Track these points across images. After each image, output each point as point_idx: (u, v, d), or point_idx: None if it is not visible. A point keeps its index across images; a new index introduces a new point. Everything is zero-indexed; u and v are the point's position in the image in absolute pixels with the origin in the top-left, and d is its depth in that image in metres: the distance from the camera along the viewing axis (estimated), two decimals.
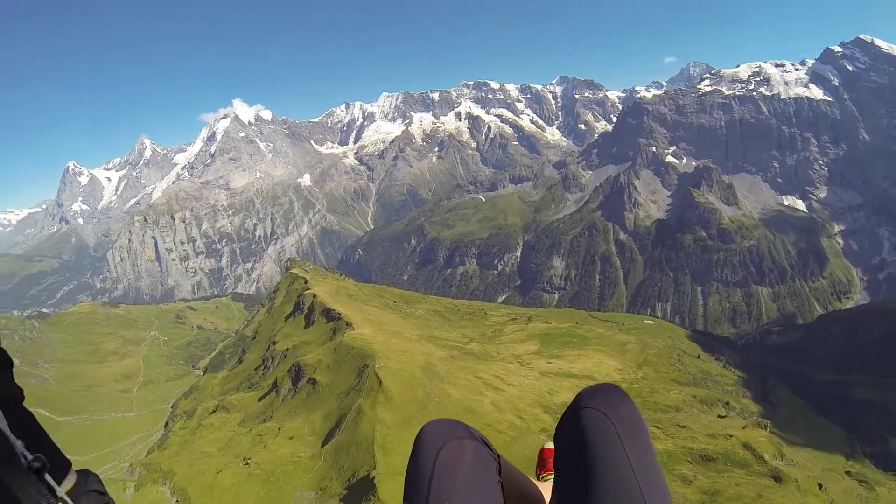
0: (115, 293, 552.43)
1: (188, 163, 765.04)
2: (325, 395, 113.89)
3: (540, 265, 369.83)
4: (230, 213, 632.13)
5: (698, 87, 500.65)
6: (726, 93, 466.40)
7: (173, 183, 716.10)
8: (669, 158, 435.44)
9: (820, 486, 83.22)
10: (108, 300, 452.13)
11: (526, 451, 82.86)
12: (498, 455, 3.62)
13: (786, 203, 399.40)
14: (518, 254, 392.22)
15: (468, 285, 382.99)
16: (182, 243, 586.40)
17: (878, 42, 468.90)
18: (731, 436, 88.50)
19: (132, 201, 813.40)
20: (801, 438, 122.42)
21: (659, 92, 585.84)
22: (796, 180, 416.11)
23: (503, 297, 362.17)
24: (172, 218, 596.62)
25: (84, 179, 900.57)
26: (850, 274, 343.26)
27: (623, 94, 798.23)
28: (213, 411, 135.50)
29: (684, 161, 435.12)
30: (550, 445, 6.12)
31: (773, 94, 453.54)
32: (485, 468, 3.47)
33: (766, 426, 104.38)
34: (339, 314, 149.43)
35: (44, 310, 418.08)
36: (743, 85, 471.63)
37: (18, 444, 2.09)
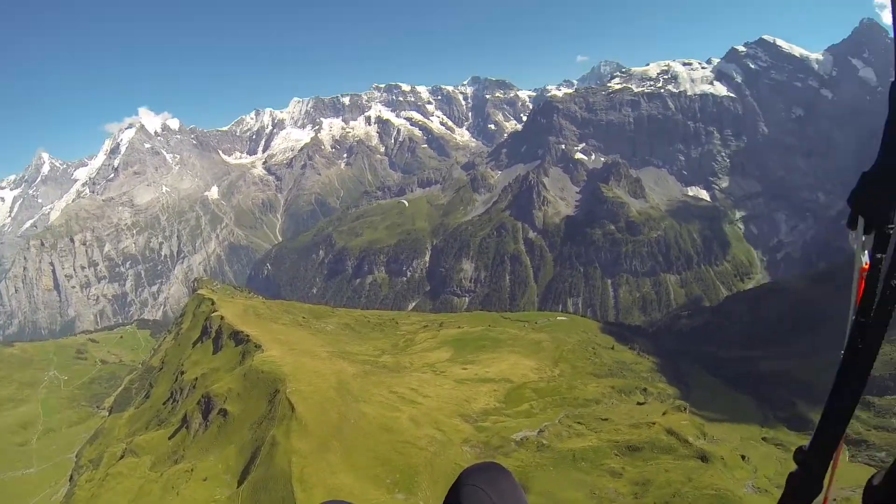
0: (9, 330, 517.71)
1: (89, 178, 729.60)
2: (237, 426, 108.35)
3: (449, 269, 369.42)
4: (134, 231, 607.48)
5: (609, 84, 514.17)
6: (635, 90, 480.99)
7: (73, 201, 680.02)
8: (578, 155, 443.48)
9: (743, 457, 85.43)
10: (2, 338, 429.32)
11: (449, 466, 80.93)
12: None
13: (690, 193, 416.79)
14: (426, 259, 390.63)
15: (377, 294, 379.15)
16: (83, 268, 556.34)
17: (780, 42, 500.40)
18: (653, 423, 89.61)
19: (28, 223, 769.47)
20: (717, 414, 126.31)
21: (570, 90, 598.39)
22: (700, 172, 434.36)
23: (413, 303, 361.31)
24: (72, 240, 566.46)
25: None
26: (751, 256, 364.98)
27: (534, 94, 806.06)
28: (121, 457, 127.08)
29: (593, 157, 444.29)
30: None
31: (679, 91, 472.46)
32: None
33: (685, 408, 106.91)
34: (247, 336, 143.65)
35: None
36: (652, 83, 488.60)
37: None
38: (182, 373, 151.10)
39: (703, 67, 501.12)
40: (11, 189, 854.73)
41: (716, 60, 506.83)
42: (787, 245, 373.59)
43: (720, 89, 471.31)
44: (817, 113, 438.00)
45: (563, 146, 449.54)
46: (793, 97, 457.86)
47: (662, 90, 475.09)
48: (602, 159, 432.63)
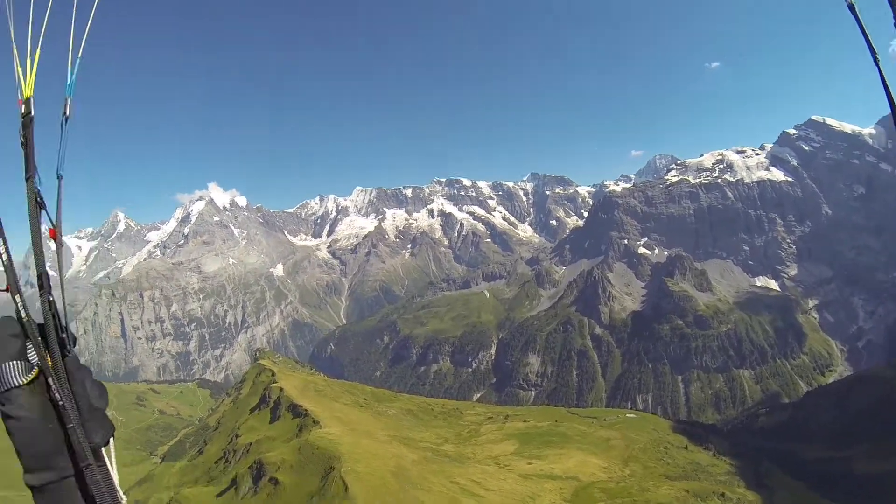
0: None
1: (161, 241, 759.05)
2: (286, 496, 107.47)
3: (515, 362, 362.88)
4: (201, 296, 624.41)
5: (665, 178, 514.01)
6: (692, 182, 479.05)
7: (144, 260, 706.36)
8: (641, 250, 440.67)
9: None
10: None
11: None
12: None
13: (759, 284, 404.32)
14: (492, 351, 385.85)
15: (442, 383, 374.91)
16: (150, 322, 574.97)
17: (830, 121, 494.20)
18: None
19: (101, 273, 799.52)
20: None
21: (628, 185, 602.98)
22: (766, 261, 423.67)
23: (478, 395, 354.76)
24: (141, 296, 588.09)
25: (54, 245, 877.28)
26: (830, 347, 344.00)
27: (593, 189, 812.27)
28: None
29: (656, 251, 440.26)
30: None
31: (736, 180, 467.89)
32: None
33: None
34: (306, 410, 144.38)
35: None
36: (708, 173, 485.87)
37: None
38: (237, 436, 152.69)
39: (756, 154, 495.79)
40: (89, 240, 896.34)
41: (769, 146, 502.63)
42: (867, 332, 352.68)
43: (777, 174, 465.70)
44: (880, 188, 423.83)
45: (626, 241, 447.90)
46: (852, 174, 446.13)
47: (719, 180, 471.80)
48: (665, 253, 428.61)
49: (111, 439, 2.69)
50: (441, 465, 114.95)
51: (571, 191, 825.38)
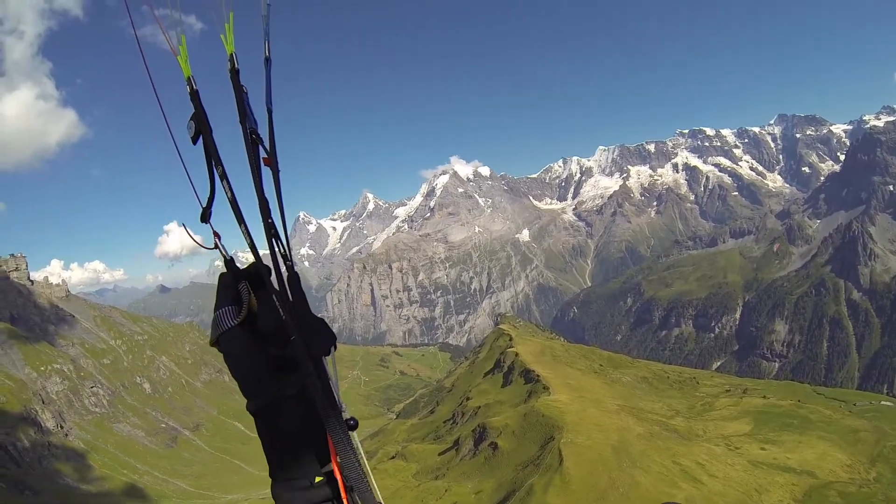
0: None
1: (408, 216, 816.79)
2: (503, 462, 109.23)
3: (760, 329, 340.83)
4: (447, 265, 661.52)
5: None
6: None
7: (393, 234, 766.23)
8: None
9: None
10: None
11: None
12: None
13: None
14: (737, 315, 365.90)
15: (682, 349, 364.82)
16: (398, 291, 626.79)
17: None
18: None
19: (354, 249, 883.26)
20: None
21: (892, 118, 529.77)
22: None
23: (718, 363, 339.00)
24: (390, 267, 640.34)
25: (312, 228, 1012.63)
26: None
27: (850, 127, 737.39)
28: (392, 457, 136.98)
29: None
30: None
31: None
32: None
33: None
34: (537, 376, 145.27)
35: None
36: None
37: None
38: (468, 398, 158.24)
39: None
40: (342, 221, 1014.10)
41: None
42: None
43: None
44: None
45: (891, 187, 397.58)
46: None
47: None
48: None
49: (332, 349, 2.96)
50: (666, 442, 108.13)
51: (825, 131, 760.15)
